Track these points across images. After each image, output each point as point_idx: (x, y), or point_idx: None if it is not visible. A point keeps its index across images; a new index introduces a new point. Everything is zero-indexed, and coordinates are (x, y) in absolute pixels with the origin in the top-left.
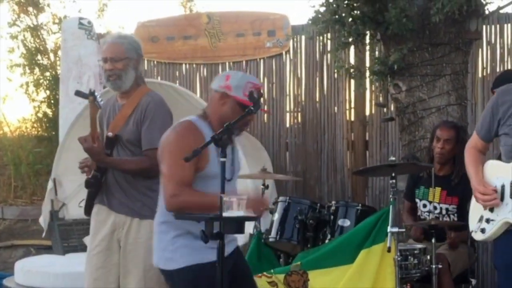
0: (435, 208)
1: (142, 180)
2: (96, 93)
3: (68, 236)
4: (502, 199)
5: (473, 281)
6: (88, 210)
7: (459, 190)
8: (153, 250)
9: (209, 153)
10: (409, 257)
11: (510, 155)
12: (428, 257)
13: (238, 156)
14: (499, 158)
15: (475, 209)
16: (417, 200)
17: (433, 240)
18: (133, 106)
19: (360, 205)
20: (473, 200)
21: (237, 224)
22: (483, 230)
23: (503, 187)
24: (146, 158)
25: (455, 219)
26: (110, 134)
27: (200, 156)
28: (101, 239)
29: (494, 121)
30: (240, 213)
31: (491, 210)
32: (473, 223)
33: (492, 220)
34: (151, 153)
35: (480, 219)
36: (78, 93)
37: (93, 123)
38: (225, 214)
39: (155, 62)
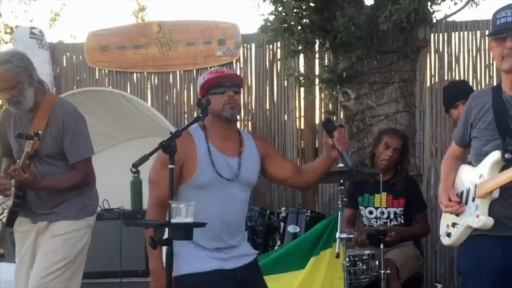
0: (382, 213)
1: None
2: (39, 133)
3: None
4: (466, 202)
5: (439, 286)
6: (10, 222)
7: (404, 192)
8: (70, 245)
9: (198, 163)
10: (358, 262)
11: (478, 158)
12: (377, 262)
13: (247, 158)
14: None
15: (447, 214)
16: (361, 207)
17: (381, 246)
18: (45, 119)
19: (309, 211)
20: None
21: (186, 231)
22: (449, 235)
23: (468, 190)
24: (76, 171)
25: (402, 221)
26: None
27: (186, 166)
28: (26, 248)
29: (467, 124)
30: (189, 219)
31: (457, 214)
32: (442, 228)
33: (457, 224)
34: (81, 165)
35: (448, 224)
36: (21, 135)
37: (26, 158)
38: (173, 221)
39: (106, 71)
